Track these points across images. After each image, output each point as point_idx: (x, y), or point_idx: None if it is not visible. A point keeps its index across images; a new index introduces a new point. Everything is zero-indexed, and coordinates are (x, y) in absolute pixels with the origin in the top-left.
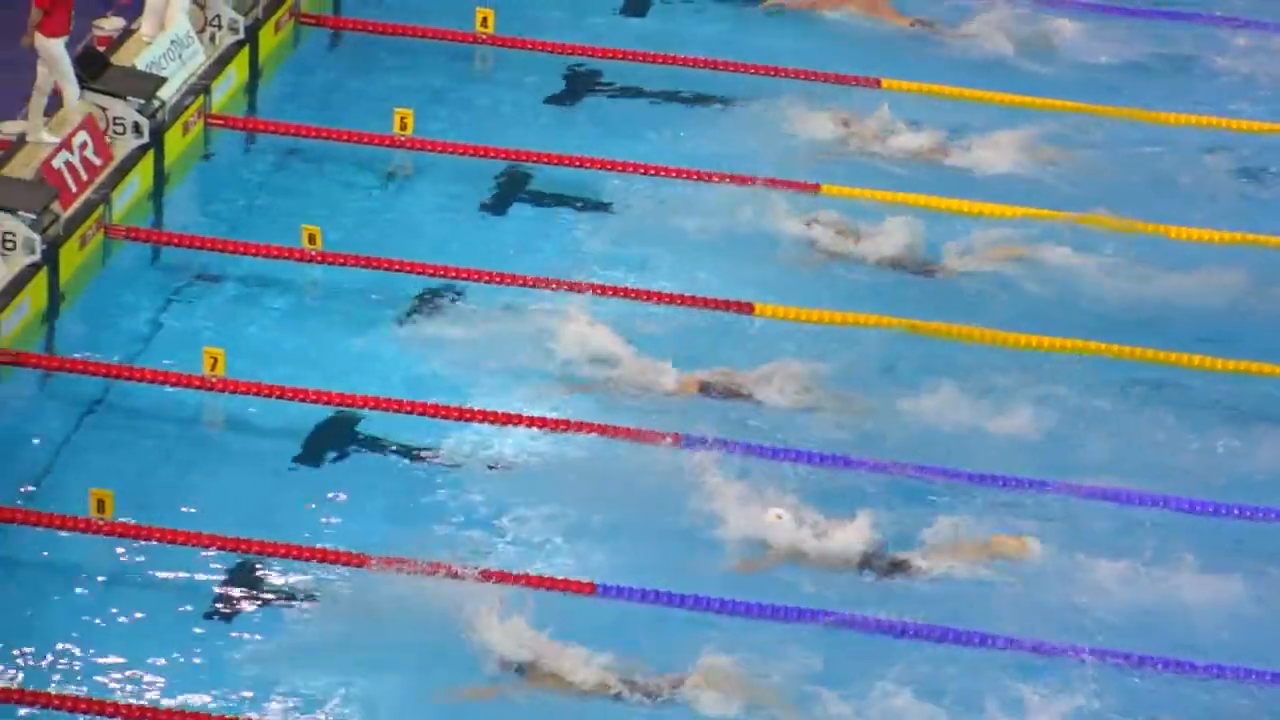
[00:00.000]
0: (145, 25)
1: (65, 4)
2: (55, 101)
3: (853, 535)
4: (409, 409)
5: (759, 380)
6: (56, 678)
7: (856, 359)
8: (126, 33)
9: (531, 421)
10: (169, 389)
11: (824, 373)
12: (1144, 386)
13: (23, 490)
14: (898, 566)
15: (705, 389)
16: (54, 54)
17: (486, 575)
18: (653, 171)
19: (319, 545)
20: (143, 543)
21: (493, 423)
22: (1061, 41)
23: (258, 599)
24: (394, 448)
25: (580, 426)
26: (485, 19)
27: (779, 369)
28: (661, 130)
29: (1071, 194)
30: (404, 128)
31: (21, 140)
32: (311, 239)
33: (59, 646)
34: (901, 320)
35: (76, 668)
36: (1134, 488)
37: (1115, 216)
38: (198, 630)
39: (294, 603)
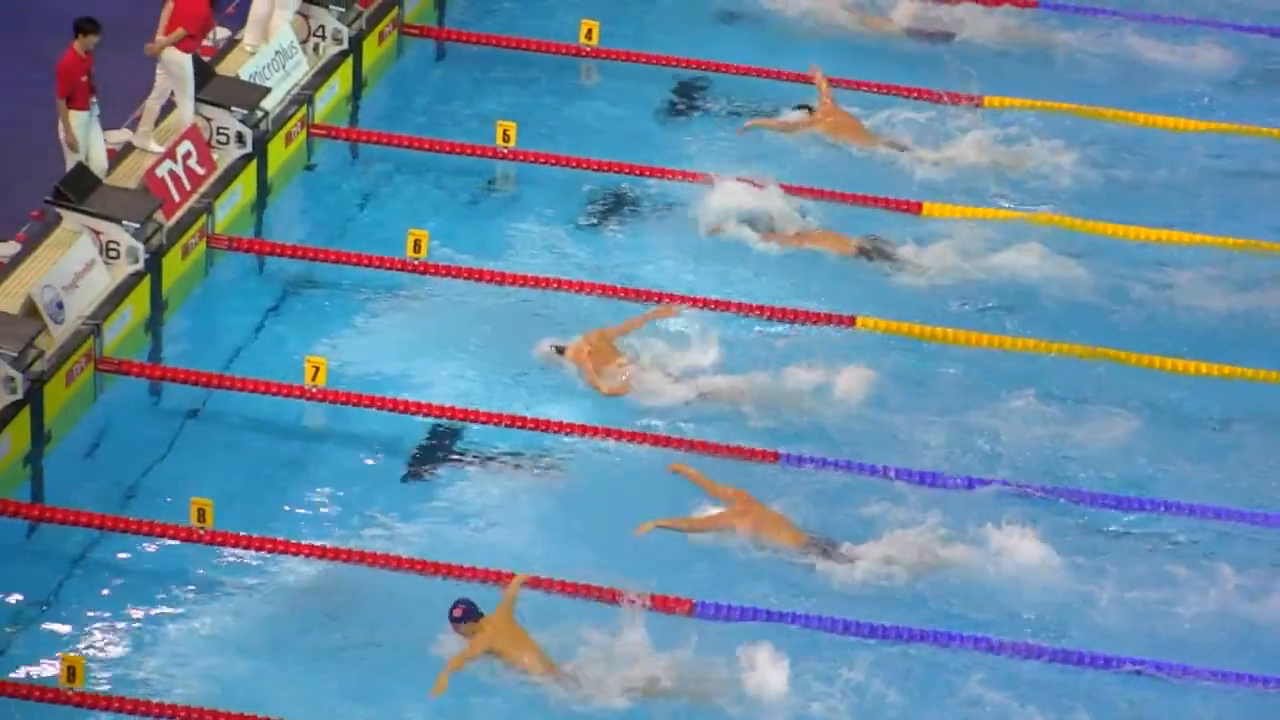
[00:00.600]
0: (248, 36)
1: (208, 30)
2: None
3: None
4: (508, 422)
5: (844, 392)
6: (162, 684)
7: (949, 373)
8: (231, 43)
9: (628, 435)
10: (270, 397)
11: (918, 387)
12: (1234, 404)
13: (124, 498)
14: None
15: (790, 401)
16: (183, 68)
17: (602, 594)
18: (754, 184)
19: (419, 557)
20: (241, 550)
21: (590, 436)
22: (1148, 56)
23: (358, 609)
24: (492, 457)
25: (691, 444)
26: (590, 30)
27: (866, 379)
28: (760, 144)
29: (1163, 209)
30: (506, 140)
31: (127, 149)
32: (417, 246)
33: (158, 652)
34: (999, 337)
35: (173, 674)
36: (1228, 504)
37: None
38: (290, 637)
39: (388, 614)
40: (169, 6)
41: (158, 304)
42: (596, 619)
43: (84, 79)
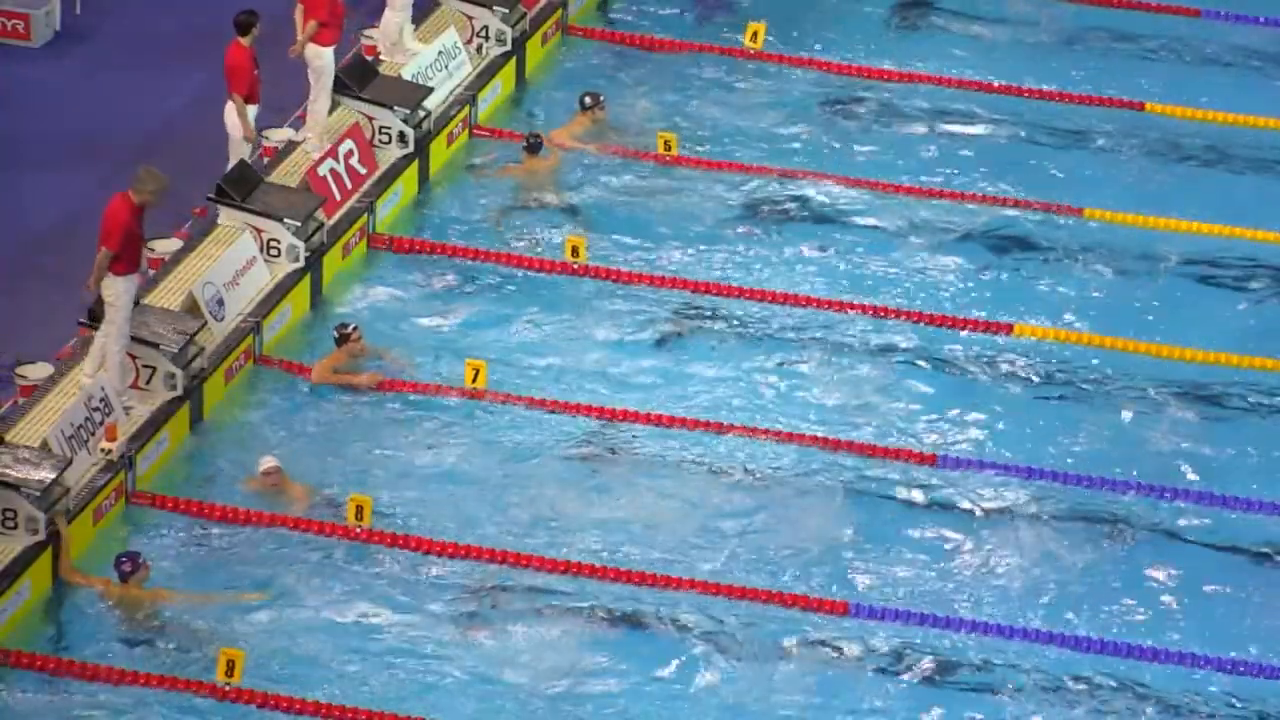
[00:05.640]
0: (380, 46)
1: (340, 16)
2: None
3: None
4: (669, 423)
5: None
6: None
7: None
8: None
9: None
10: (431, 398)
11: None
12: None
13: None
14: None
15: None
16: (325, 63)
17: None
18: (940, 197)
19: (577, 561)
20: (400, 550)
21: (750, 437)
22: None
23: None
24: (655, 461)
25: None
26: (755, 33)
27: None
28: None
29: None
30: (668, 149)
31: (289, 147)
32: (575, 251)
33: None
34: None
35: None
36: None
37: None
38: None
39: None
40: (300, 7)
41: (317, 303)
42: None
43: (255, 72)
